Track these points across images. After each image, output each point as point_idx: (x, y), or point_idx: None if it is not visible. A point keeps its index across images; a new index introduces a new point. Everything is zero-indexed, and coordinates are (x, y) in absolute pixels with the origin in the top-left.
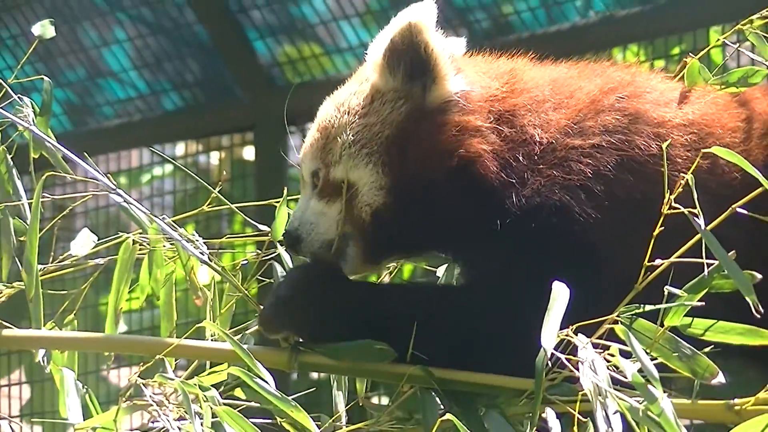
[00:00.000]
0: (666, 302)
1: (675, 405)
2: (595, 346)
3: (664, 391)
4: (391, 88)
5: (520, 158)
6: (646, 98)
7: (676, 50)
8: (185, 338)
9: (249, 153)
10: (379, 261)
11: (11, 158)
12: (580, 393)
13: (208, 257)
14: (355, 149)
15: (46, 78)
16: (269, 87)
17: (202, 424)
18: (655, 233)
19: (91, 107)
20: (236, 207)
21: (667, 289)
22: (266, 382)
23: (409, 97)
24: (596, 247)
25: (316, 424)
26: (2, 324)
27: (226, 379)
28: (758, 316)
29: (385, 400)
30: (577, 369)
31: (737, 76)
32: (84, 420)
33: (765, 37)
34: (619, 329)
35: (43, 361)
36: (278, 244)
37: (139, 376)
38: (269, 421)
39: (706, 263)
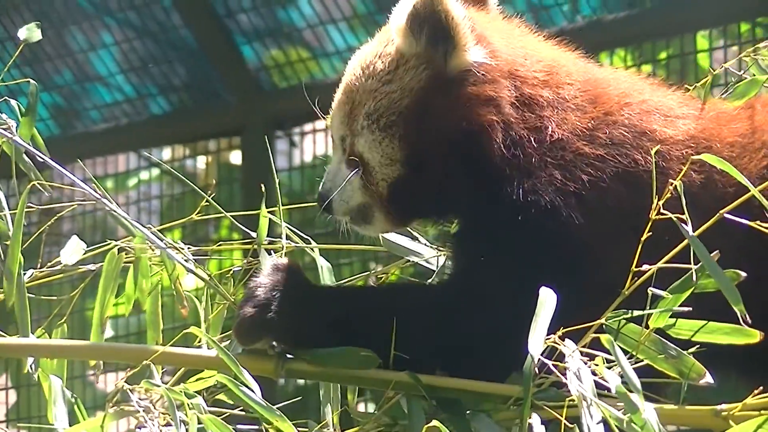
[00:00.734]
0: (651, 304)
1: (661, 411)
2: (582, 352)
3: (653, 398)
4: (414, 54)
5: (532, 141)
6: (655, 116)
7: (663, 54)
8: (172, 344)
9: (236, 157)
10: (406, 223)
11: None
12: (568, 399)
13: (195, 264)
14: (374, 119)
15: (32, 81)
16: (256, 91)
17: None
18: (643, 238)
19: (78, 111)
20: (229, 215)
21: (652, 290)
22: (252, 390)
23: (430, 63)
24: (583, 252)
25: (305, 430)
26: None
27: (214, 383)
28: (745, 325)
29: (372, 407)
30: (564, 375)
31: (740, 90)
32: (70, 426)
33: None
34: (604, 338)
35: (32, 369)
36: (263, 250)
37: (125, 382)
38: (255, 427)
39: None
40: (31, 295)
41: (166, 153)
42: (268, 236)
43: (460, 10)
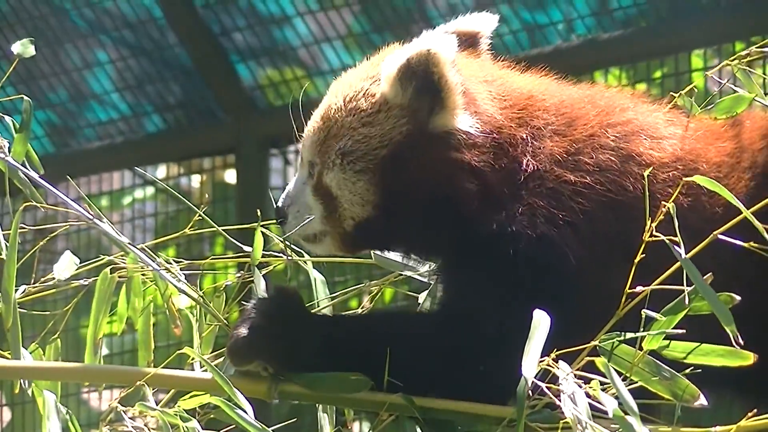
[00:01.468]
0: (644, 326)
1: None
2: (576, 375)
3: (647, 419)
4: (399, 104)
5: (505, 189)
6: (641, 138)
7: (658, 74)
8: (166, 364)
9: (230, 176)
10: (357, 251)
11: None
12: (561, 421)
13: (187, 285)
14: (348, 161)
15: (26, 98)
16: (251, 110)
17: None
18: (636, 260)
19: (73, 129)
20: (221, 229)
21: (645, 312)
22: (245, 412)
23: (413, 116)
24: (574, 279)
25: None
26: None
27: (207, 403)
28: (737, 346)
29: (366, 426)
30: (558, 398)
31: (725, 106)
32: None
33: (751, 72)
34: (599, 362)
35: (25, 384)
36: (256, 269)
37: (119, 403)
38: None
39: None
40: (23, 311)
41: (161, 171)
42: (262, 253)
43: (455, 75)
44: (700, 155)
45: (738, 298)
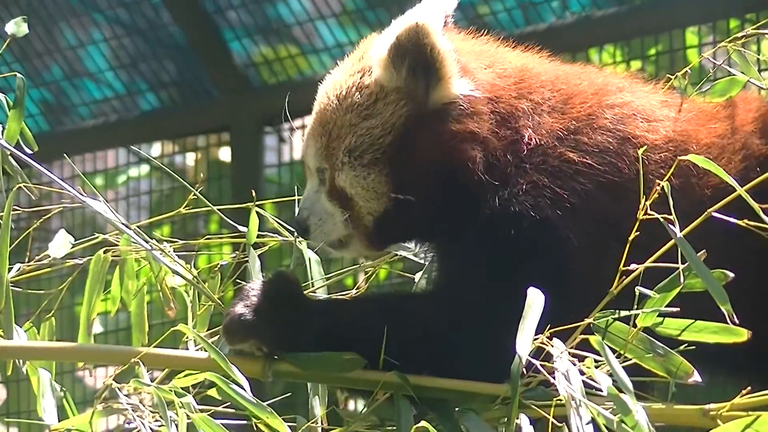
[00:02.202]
0: (638, 303)
1: (650, 410)
2: (570, 353)
3: (641, 396)
4: (395, 87)
5: (509, 157)
6: (637, 121)
7: (652, 51)
8: (160, 342)
9: (225, 154)
10: (384, 248)
11: None
12: (556, 398)
13: (181, 265)
14: (356, 156)
15: (19, 75)
16: (245, 88)
17: (177, 430)
18: (630, 238)
19: (67, 108)
20: (216, 208)
21: (639, 290)
22: (242, 388)
23: (411, 97)
24: (571, 261)
25: (293, 425)
26: None
27: (203, 380)
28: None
29: (361, 404)
30: (552, 376)
31: (720, 88)
32: (59, 420)
33: (746, 52)
34: (593, 340)
35: (20, 362)
36: (251, 249)
37: (114, 380)
38: (245, 422)
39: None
40: (18, 289)
41: (156, 149)
42: (257, 233)
43: (446, 42)
44: (690, 136)
45: (731, 274)
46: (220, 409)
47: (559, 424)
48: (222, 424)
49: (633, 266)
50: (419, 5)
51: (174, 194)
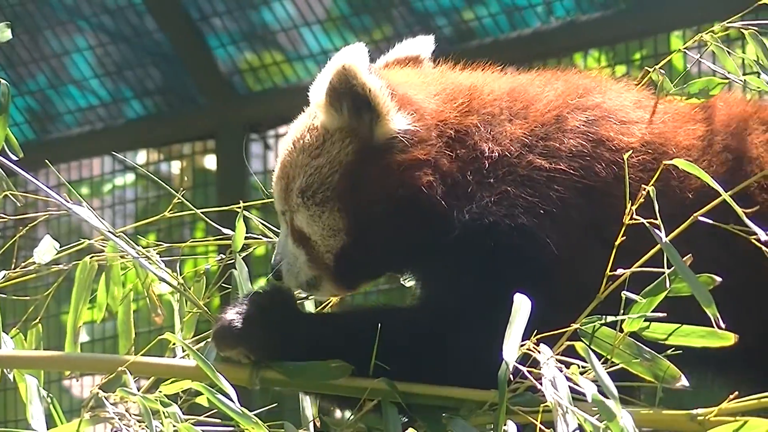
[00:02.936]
0: (624, 308)
1: (637, 415)
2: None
3: (628, 401)
4: (338, 127)
5: (469, 176)
6: (611, 122)
7: (637, 55)
8: (147, 350)
9: (210, 161)
10: (355, 287)
11: None
12: (543, 404)
13: (167, 271)
14: (308, 196)
15: (3, 81)
16: (231, 95)
17: None
18: (617, 243)
19: (53, 115)
20: (200, 212)
21: (625, 294)
22: (228, 397)
23: (356, 135)
24: (552, 266)
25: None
26: None
27: (189, 388)
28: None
29: (349, 415)
30: (539, 382)
31: (698, 88)
32: (48, 429)
33: (727, 50)
34: (579, 346)
35: (8, 369)
36: (237, 255)
37: (100, 389)
38: (231, 430)
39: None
40: (2, 296)
41: (141, 157)
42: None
43: (376, 80)
44: (668, 139)
45: (718, 279)
46: (202, 418)
47: (547, 430)
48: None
49: (620, 271)
50: (343, 49)
51: (160, 202)
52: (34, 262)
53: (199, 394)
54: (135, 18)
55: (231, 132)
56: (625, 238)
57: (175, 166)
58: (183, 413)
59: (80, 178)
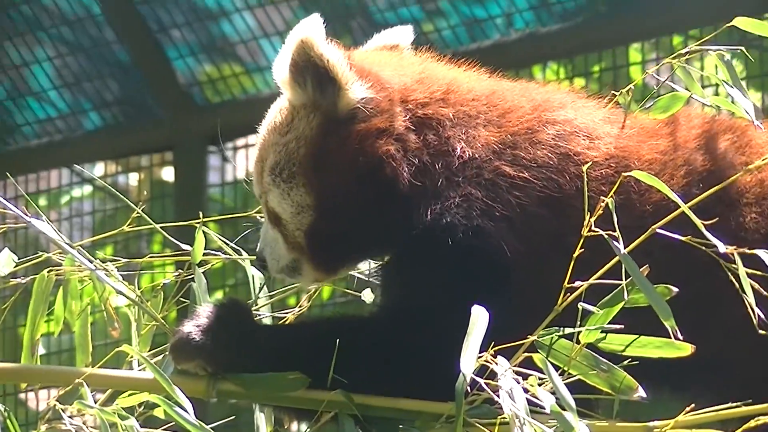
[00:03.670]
0: (581, 319)
1: (594, 427)
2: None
3: (585, 413)
4: (303, 103)
5: (438, 166)
6: (579, 139)
7: (596, 68)
8: (104, 363)
9: (168, 173)
10: (336, 271)
11: None
12: (500, 416)
13: (125, 284)
14: (277, 173)
15: None
16: (189, 106)
17: None
18: (575, 255)
19: (11, 127)
20: (158, 226)
21: (582, 305)
22: (185, 409)
23: (320, 109)
24: (510, 273)
25: None
26: None
27: (146, 401)
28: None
29: (304, 425)
30: (497, 393)
31: (661, 104)
32: None
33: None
34: (537, 357)
35: None
36: (196, 267)
37: (57, 401)
38: None
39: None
40: None
41: (99, 169)
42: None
43: (335, 51)
44: (631, 153)
45: (675, 290)
46: (159, 431)
47: None
48: None
49: (578, 283)
50: (303, 21)
51: (117, 215)
52: None
53: (156, 406)
54: (94, 29)
55: (189, 144)
56: (584, 249)
57: (133, 178)
58: (140, 426)
59: (38, 190)
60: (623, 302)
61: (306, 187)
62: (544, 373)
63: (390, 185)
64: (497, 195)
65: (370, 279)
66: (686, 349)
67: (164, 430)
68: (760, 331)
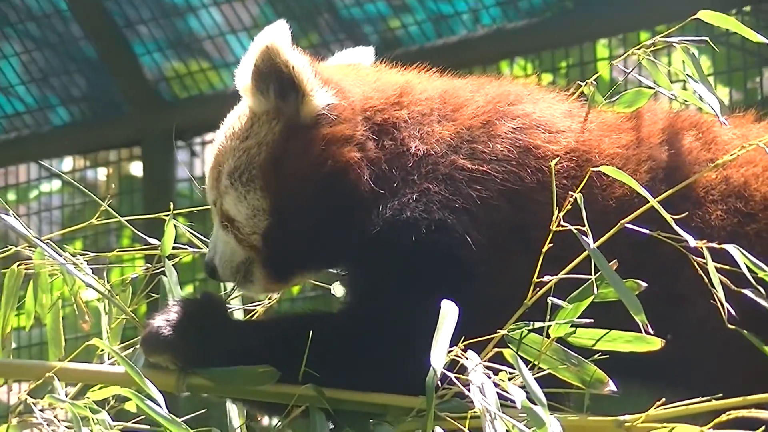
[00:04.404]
0: (551, 314)
1: (565, 421)
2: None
3: (556, 407)
4: (265, 110)
5: (395, 171)
6: (538, 132)
7: (563, 64)
8: (75, 356)
9: (136, 168)
10: (287, 279)
11: None
12: (471, 411)
13: (94, 278)
14: (236, 177)
15: None
16: (157, 102)
17: None
18: (544, 249)
19: None
20: (125, 220)
21: (551, 300)
22: (156, 403)
23: (282, 115)
24: (474, 266)
25: None
26: None
27: (118, 394)
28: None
29: (276, 419)
30: (467, 388)
31: (626, 99)
32: None
33: (655, 61)
34: (507, 353)
35: None
36: (166, 260)
37: (28, 395)
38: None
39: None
40: None
41: (67, 164)
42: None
43: (300, 58)
44: (593, 147)
45: (644, 284)
46: (131, 425)
47: None
48: None
49: (547, 278)
50: (268, 28)
51: (85, 209)
52: None
53: (127, 400)
54: (61, 25)
55: (157, 139)
56: (551, 245)
57: (102, 173)
58: (112, 419)
59: (6, 184)
60: (592, 296)
61: (263, 191)
62: (514, 368)
63: (351, 191)
64: (456, 189)
65: (340, 272)
66: (656, 344)
67: (135, 423)
68: (729, 326)
